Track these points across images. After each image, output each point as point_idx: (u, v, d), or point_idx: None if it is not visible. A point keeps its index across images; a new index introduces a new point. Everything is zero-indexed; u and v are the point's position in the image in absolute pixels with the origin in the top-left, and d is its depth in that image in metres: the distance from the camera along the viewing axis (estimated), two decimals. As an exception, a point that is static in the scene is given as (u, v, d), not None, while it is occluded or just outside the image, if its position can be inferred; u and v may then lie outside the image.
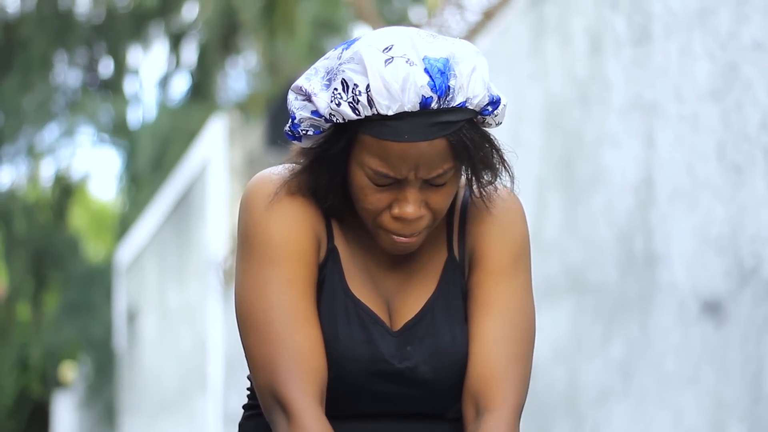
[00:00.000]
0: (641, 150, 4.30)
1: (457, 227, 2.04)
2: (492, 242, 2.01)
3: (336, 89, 1.85)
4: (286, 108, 1.96)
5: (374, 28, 9.94)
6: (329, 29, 17.51)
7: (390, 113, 1.83)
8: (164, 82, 20.48)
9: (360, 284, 1.98)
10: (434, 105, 1.83)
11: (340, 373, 1.94)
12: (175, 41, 20.14)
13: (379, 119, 1.84)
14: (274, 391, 1.88)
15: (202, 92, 19.27)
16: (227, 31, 18.11)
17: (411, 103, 1.82)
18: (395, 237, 1.92)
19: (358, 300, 1.96)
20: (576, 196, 4.81)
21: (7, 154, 20.25)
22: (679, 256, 4.07)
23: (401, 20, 16.28)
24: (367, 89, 1.82)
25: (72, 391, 21.51)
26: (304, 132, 1.92)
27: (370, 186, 1.89)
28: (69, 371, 22.88)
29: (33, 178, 21.52)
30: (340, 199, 1.96)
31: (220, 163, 11.07)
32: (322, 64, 1.92)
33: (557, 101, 5.03)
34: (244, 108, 17.22)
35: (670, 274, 4.12)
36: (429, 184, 1.89)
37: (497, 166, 1.94)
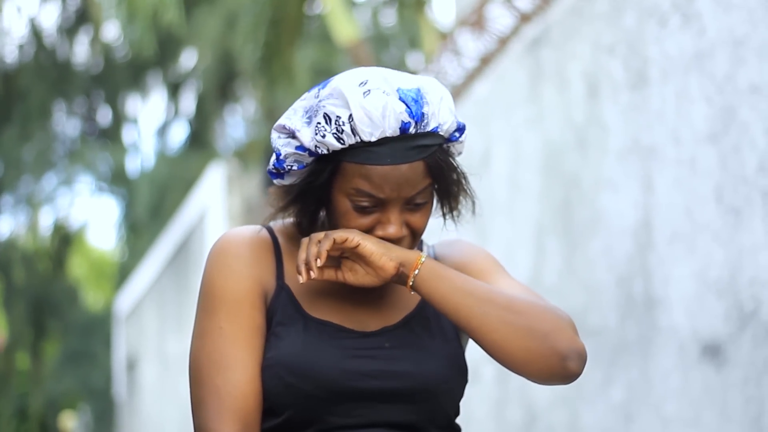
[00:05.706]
0: (639, 193, 4.31)
1: None
2: (470, 259, 2.20)
3: (319, 123, 1.99)
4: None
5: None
6: (327, 76, 17.50)
7: (373, 139, 1.97)
8: (163, 131, 20.55)
9: (322, 307, 2.10)
10: (412, 130, 1.98)
11: (319, 386, 2.02)
12: (174, 90, 20.23)
13: (362, 146, 1.98)
14: (202, 430, 2.03)
15: (201, 140, 19.33)
16: (225, 79, 18.17)
17: (392, 129, 1.96)
18: None
19: (320, 320, 2.08)
20: (575, 240, 4.82)
21: (6, 204, 20.29)
22: (678, 299, 4.07)
23: (399, 67, 16.35)
24: (350, 119, 1.96)
25: (72, 440, 21.41)
26: (288, 167, 2.06)
27: (352, 212, 2.02)
28: (69, 420, 22.79)
29: (32, 227, 21.55)
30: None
31: (218, 211, 11.08)
32: (300, 105, 2.06)
33: (555, 146, 5.05)
34: (242, 156, 17.26)
35: (670, 318, 4.11)
36: (408, 206, 2.04)
37: (465, 189, 2.11)
